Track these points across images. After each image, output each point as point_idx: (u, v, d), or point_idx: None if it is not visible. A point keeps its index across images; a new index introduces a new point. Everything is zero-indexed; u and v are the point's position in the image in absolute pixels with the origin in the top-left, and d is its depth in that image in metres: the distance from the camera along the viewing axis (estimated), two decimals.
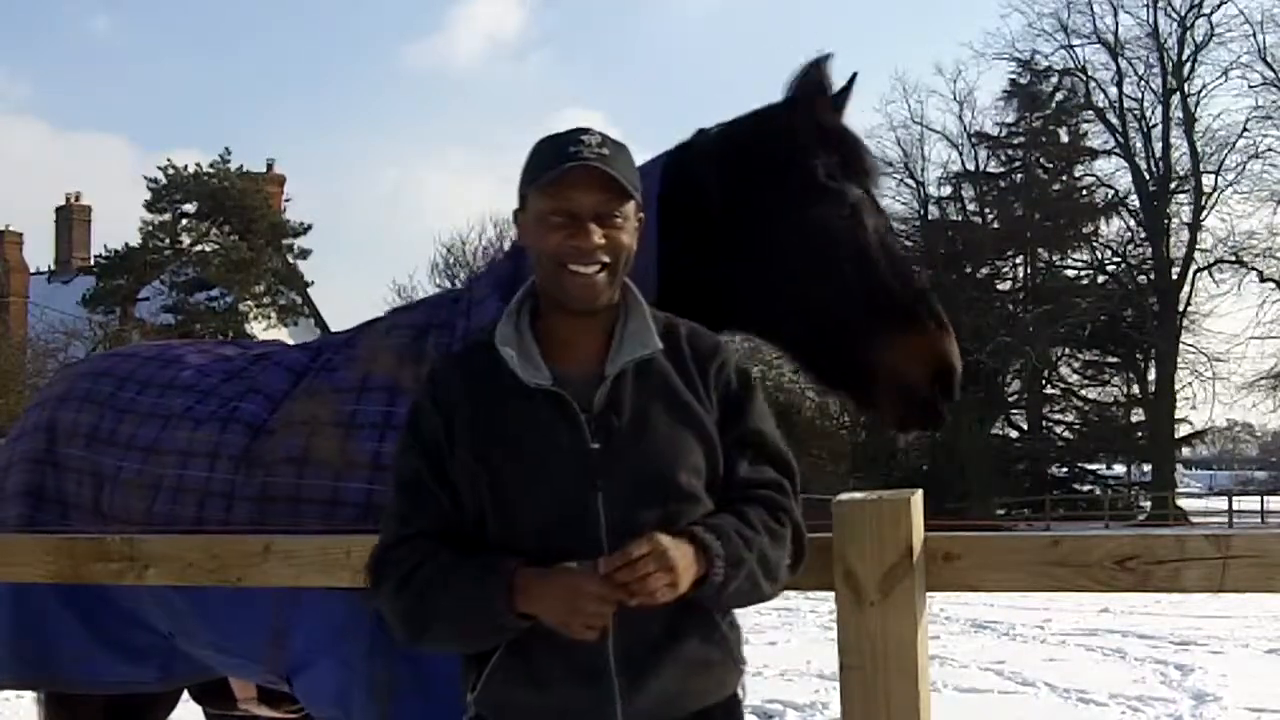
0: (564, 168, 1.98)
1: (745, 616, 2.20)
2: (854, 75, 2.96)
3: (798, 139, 2.80)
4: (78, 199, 47.62)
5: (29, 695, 9.44)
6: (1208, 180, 43.22)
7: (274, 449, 2.88)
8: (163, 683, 3.17)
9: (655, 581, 1.84)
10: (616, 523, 1.93)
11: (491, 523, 1.99)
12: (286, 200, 42.80)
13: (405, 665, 2.60)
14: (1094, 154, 45.93)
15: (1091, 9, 44.42)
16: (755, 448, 2.08)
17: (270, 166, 43.39)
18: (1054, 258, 45.79)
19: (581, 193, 2.00)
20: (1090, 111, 45.39)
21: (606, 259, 2.01)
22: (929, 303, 2.76)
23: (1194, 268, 42.99)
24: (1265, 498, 41.73)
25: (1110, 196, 45.05)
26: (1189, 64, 43.70)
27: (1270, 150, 42.99)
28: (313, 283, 42.58)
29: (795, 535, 2.06)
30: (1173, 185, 43.80)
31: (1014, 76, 45.56)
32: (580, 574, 1.87)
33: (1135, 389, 45.02)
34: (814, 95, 2.84)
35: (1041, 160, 45.48)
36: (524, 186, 2.07)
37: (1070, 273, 45.95)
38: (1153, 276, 43.63)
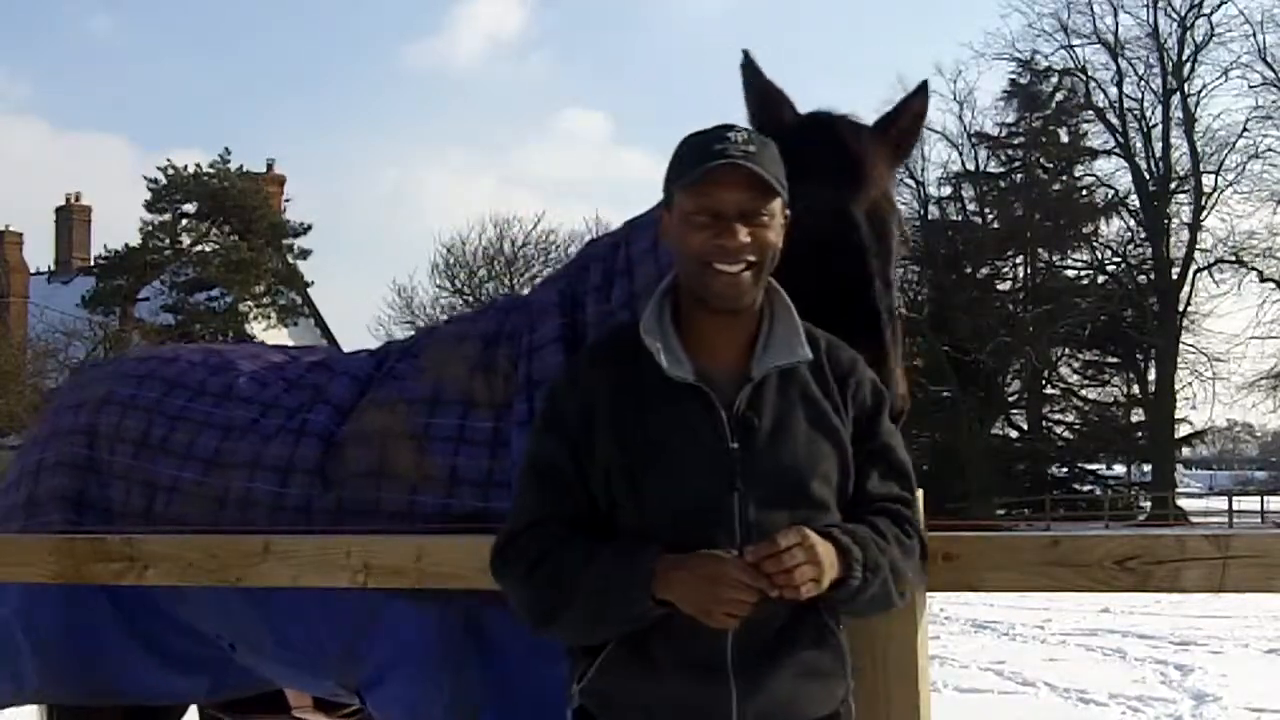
0: (710, 165, 1.96)
1: None
2: (923, 84, 2.76)
3: (786, 136, 2.54)
4: (78, 199, 47.52)
5: None
6: (1208, 180, 43.21)
7: (349, 462, 2.83)
8: (214, 695, 3.12)
9: (802, 574, 1.85)
10: (751, 523, 1.94)
11: (627, 512, 1.98)
12: (286, 200, 42.73)
13: (491, 678, 2.58)
14: (1094, 154, 45.88)
15: (1091, 9, 44.42)
16: (886, 463, 2.09)
17: (270, 166, 43.32)
18: (1054, 258, 45.75)
19: (727, 191, 1.98)
20: (1090, 111, 45.34)
21: (752, 258, 2.00)
22: (863, 321, 2.42)
23: (1194, 268, 42.97)
24: (1265, 498, 41.70)
25: (1110, 196, 45.02)
26: (1189, 64, 43.69)
27: (1270, 150, 42.99)
28: (313, 283, 42.54)
29: (921, 549, 2.08)
30: (1173, 185, 43.76)
31: (1014, 76, 45.57)
32: (724, 560, 1.87)
33: (1135, 389, 44.99)
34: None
35: (1041, 160, 45.44)
36: (669, 184, 2.05)
37: (1070, 273, 45.92)
38: (1153, 276, 43.60)
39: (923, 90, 2.75)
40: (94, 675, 3.00)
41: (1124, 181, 44.60)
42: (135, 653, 2.99)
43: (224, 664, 3.02)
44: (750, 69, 2.65)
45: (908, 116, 2.72)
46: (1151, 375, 43.86)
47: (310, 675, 2.92)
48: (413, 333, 3.40)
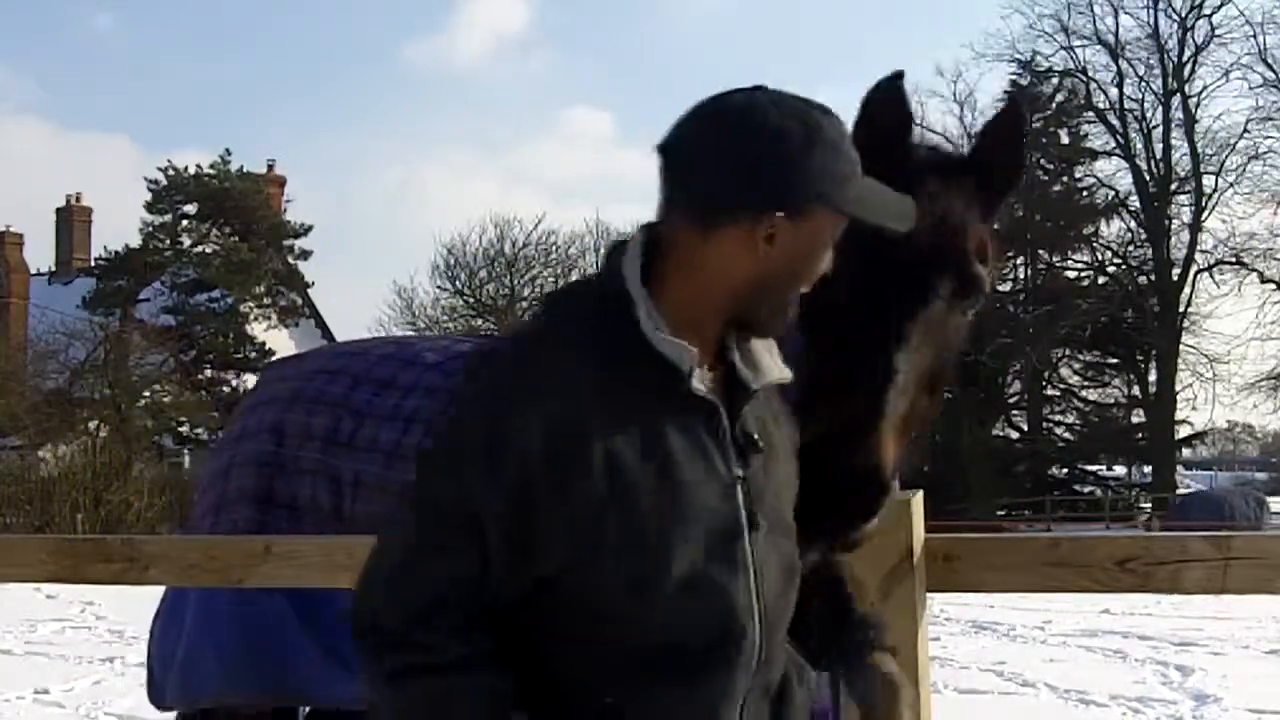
0: (906, 218, 1.70)
1: None
2: (1009, 96, 2.42)
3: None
4: (78, 200, 47.59)
5: (29, 695, 9.29)
6: (1208, 181, 43.25)
7: None
8: None
9: None
10: (760, 564, 1.62)
11: (619, 570, 1.54)
12: (287, 201, 42.80)
13: None
14: (1094, 155, 45.90)
15: (1092, 10, 44.44)
16: None
17: (271, 167, 43.39)
18: (1054, 259, 45.74)
19: None
20: (1091, 113, 45.36)
21: None
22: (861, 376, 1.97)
23: (1194, 269, 43.01)
24: (1265, 499, 41.70)
25: (1111, 198, 45.02)
26: (1189, 65, 43.71)
27: (1271, 151, 43.02)
28: (313, 283, 42.61)
29: None
30: (1173, 186, 43.79)
31: (1014, 77, 45.50)
32: None
33: (1136, 390, 45.01)
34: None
35: (1042, 161, 45.40)
36: (819, 189, 1.60)
37: (1071, 274, 45.91)
38: (1153, 278, 43.62)
39: (1012, 106, 2.33)
40: (277, 679, 2.98)
41: (1124, 183, 44.66)
42: (319, 659, 2.96)
43: None
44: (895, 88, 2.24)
45: (997, 138, 2.33)
46: (1152, 376, 43.89)
47: None
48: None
